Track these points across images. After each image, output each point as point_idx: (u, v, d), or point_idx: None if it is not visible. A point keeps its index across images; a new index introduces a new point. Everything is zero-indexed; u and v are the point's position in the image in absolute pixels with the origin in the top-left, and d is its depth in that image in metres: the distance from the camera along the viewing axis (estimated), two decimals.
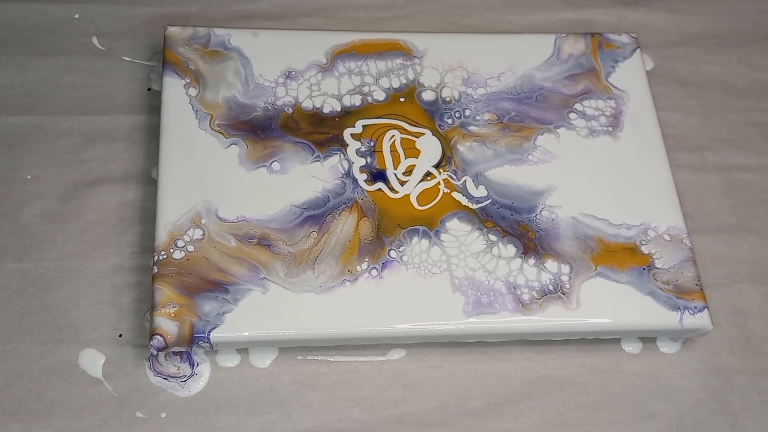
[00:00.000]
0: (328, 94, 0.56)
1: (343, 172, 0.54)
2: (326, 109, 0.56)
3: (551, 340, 0.52)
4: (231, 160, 0.53)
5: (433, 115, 0.57)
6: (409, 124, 0.56)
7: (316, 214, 0.52)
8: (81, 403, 0.49)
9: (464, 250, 0.52)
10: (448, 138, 0.56)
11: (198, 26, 0.58)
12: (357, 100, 0.56)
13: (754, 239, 0.58)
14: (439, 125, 0.56)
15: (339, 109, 0.56)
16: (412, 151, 0.55)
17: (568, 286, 0.51)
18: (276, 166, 0.54)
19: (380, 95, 0.57)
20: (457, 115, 0.57)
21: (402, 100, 0.57)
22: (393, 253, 0.51)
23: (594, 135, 0.57)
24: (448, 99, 0.57)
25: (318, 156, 0.54)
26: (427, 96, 0.57)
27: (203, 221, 0.51)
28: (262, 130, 0.55)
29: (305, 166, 0.54)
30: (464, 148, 0.55)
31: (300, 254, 0.51)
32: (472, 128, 0.56)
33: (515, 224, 0.53)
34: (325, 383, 0.51)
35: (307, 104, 0.56)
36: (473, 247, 0.52)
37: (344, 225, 0.52)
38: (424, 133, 0.56)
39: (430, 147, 0.55)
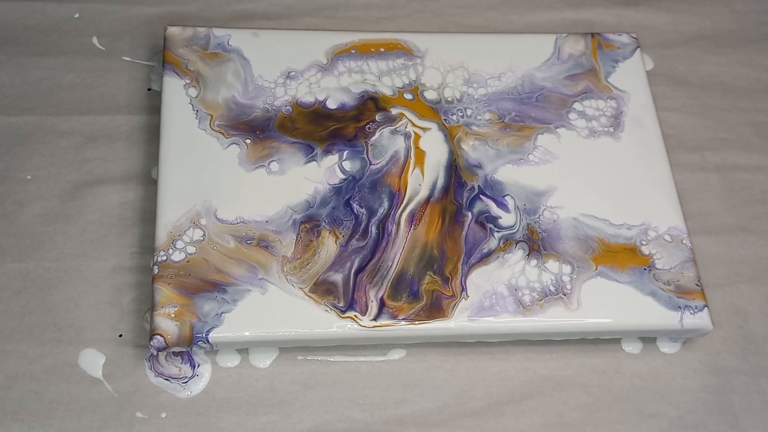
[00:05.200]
0: (330, 88, 0.56)
1: (344, 177, 0.54)
2: (330, 104, 0.56)
3: (551, 340, 0.52)
4: (231, 160, 0.53)
5: (437, 112, 0.57)
6: (418, 117, 0.56)
7: (311, 216, 0.52)
8: (81, 404, 0.49)
9: None
10: (452, 135, 0.56)
11: (198, 26, 0.58)
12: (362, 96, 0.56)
13: (754, 239, 0.58)
14: (445, 121, 0.56)
15: (344, 103, 0.56)
16: (417, 155, 0.55)
17: (569, 286, 0.51)
18: (274, 166, 0.53)
19: (387, 90, 0.57)
20: (459, 114, 0.57)
21: (410, 97, 0.57)
22: None
23: (594, 135, 0.57)
24: (450, 99, 0.57)
25: (313, 156, 0.54)
26: (430, 96, 0.57)
27: (203, 222, 0.51)
28: (261, 130, 0.55)
29: (301, 167, 0.54)
30: (468, 147, 0.55)
31: (297, 255, 0.51)
32: (473, 128, 0.56)
33: (524, 228, 0.53)
34: (326, 383, 0.51)
35: (308, 99, 0.56)
36: None
37: None
38: (430, 128, 0.56)
39: (436, 148, 0.55)
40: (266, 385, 0.50)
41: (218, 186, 0.52)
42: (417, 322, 0.49)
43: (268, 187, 0.53)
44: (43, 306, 0.51)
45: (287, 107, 0.56)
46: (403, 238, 0.52)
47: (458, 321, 0.50)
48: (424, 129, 0.56)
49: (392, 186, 0.53)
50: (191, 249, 0.50)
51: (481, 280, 0.51)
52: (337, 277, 0.50)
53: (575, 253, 0.52)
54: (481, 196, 0.54)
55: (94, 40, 0.61)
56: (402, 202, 0.53)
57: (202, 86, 0.56)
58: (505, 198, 0.54)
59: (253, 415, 0.49)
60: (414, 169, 0.54)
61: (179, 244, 0.50)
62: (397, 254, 0.51)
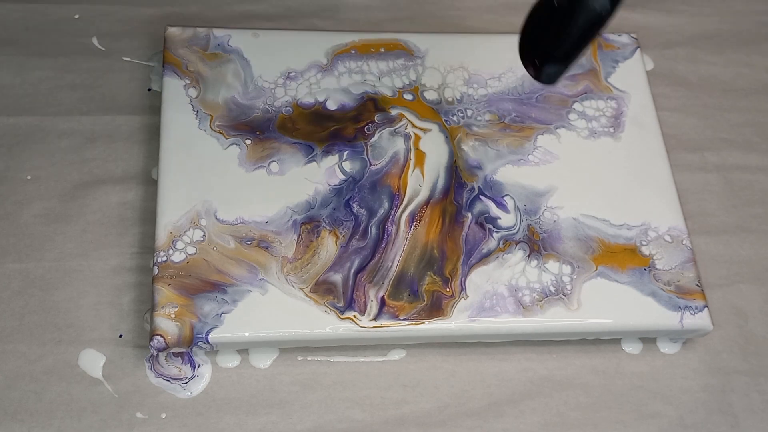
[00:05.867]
0: (330, 89, 0.57)
1: (343, 177, 0.54)
2: (330, 105, 0.56)
3: (552, 340, 0.52)
4: (231, 160, 0.53)
5: (437, 113, 0.57)
6: (419, 118, 0.56)
7: (312, 217, 0.52)
8: (81, 404, 0.49)
9: None
10: (453, 136, 0.56)
11: (198, 27, 0.58)
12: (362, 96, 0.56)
13: (755, 239, 0.58)
14: (445, 121, 0.56)
15: (344, 104, 0.56)
16: (417, 156, 0.55)
17: (569, 287, 0.51)
18: (274, 167, 0.54)
19: (387, 91, 0.57)
20: (460, 114, 0.57)
21: (410, 97, 0.57)
22: None
23: (595, 136, 0.57)
24: (450, 99, 0.57)
25: (313, 156, 0.54)
26: (431, 96, 0.57)
27: (203, 222, 0.51)
28: (261, 131, 0.55)
29: (301, 167, 0.54)
30: (468, 148, 0.55)
31: (297, 255, 0.51)
32: (474, 128, 0.56)
33: (525, 228, 0.53)
34: (326, 384, 0.51)
35: (309, 100, 0.56)
36: None
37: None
38: (430, 129, 0.56)
39: (437, 149, 0.55)
40: (266, 386, 0.50)
41: (218, 186, 0.52)
42: (417, 323, 0.49)
43: (268, 187, 0.53)
44: (43, 306, 0.51)
45: (287, 108, 0.56)
46: (403, 238, 0.52)
47: (458, 321, 0.50)
48: (424, 130, 0.56)
49: (392, 187, 0.53)
50: (191, 249, 0.50)
51: (481, 281, 0.51)
52: (337, 278, 0.50)
53: (575, 254, 0.52)
54: (480, 196, 0.54)
55: (95, 41, 0.61)
56: (402, 203, 0.53)
57: (202, 87, 0.56)
58: (504, 198, 0.54)
59: (253, 416, 0.49)
60: (414, 170, 0.54)
61: (179, 245, 0.50)
62: (398, 255, 0.51)
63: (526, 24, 0.47)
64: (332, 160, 0.54)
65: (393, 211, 0.53)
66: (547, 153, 0.56)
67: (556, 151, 0.56)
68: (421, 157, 0.55)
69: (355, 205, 0.53)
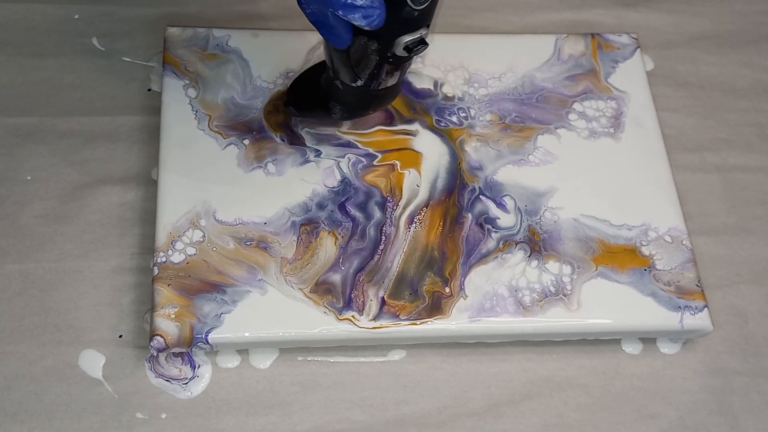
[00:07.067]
0: None
1: (340, 178, 0.54)
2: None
3: (552, 340, 0.52)
4: (229, 161, 0.53)
5: (428, 108, 0.56)
6: (401, 121, 0.56)
7: (311, 218, 0.52)
8: (81, 405, 0.49)
9: None
10: (453, 137, 0.55)
11: (197, 27, 0.58)
12: None
13: (754, 240, 0.58)
14: (437, 120, 0.56)
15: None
16: (411, 157, 0.55)
17: (569, 287, 0.51)
18: (271, 167, 0.53)
19: None
20: (462, 114, 0.57)
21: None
22: None
23: (595, 136, 0.57)
24: (450, 95, 0.57)
25: (310, 157, 0.54)
26: (429, 95, 0.57)
27: (202, 223, 0.51)
28: (259, 131, 0.55)
29: (297, 168, 0.53)
30: (470, 149, 0.55)
31: (297, 256, 0.51)
32: (477, 129, 0.56)
33: (525, 229, 0.53)
34: (326, 384, 0.51)
35: None
36: None
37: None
38: (418, 130, 0.56)
39: (434, 149, 0.55)
40: (266, 386, 0.50)
41: (217, 187, 0.52)
42: (416, 323, 0.49)
43: (266, 188, 0.53)
44: (43, 307, 0.51)
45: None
46: (403, 239, 0.52)
47: (459, 322, 0.50)
48: (409, 131, 0.56)
49: (390, 188, 0.53)
50: (191, 250, 0.50)
51: (481, 281, 0.51)
52: (336, 278, 0.50)
53: (575, 254, 0.52)
54: (481, 197, 0.54)
55: (94, 41, 0.61)
56: (400, 204, 0.53)
57: (201, 87, 0.56)
58: (504, 199, 0.54)
59: (253, 416, 0.49)
60: (411, 170, 0.54)
61: (179, 245, 0.50)
62: (397, 255, 0.51)
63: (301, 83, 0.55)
64: (330, 160, 0.54)
65: (391, 212, 0.53)
66: (547, 153, 0.56)
67: (556, 151, 0.56)
68: (416, 157, 0.55)
69: (352, 207, 0.53)
